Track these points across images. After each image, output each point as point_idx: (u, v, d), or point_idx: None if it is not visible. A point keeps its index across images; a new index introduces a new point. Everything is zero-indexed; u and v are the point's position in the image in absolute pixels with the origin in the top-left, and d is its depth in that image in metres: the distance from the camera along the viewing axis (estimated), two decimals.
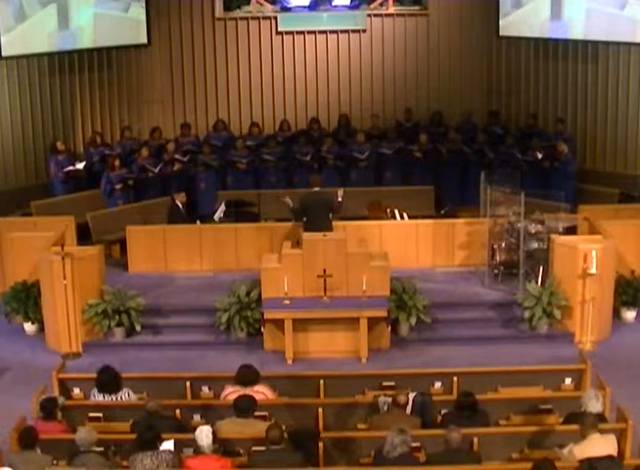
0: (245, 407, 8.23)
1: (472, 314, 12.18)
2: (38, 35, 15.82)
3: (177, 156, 15.79)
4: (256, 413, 8.37)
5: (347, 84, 17.90)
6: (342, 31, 17.75)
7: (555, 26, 16.62)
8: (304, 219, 12.45)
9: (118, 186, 14.97)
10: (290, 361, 11.46)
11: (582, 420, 7.78)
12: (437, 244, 13.42)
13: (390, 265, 11.81)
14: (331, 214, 12.48)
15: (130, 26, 17.20)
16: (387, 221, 13.75)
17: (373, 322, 11.53)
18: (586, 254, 11.48)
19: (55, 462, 7.79)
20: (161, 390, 9.39)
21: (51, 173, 15.55)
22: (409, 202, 14.80)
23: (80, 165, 15.42)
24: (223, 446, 7.99)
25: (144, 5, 17.23)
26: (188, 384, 9.54)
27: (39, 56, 15.99)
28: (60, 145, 15.62)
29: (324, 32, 17.73)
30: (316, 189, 12.63)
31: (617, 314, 12.30)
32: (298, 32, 17.70)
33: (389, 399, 8.59)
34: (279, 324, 11.54)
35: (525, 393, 9.34)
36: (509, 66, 17.67)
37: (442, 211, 14.84)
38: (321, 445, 8.17)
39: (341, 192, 12.59)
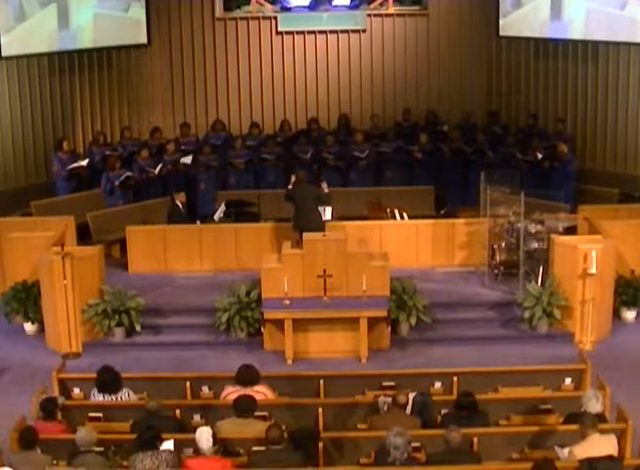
0: (245, 407, 8.23)
1: (472, 314, 12.19)
2: (38, 35, 15.83)
3: (184, 160, 15.69)
4: (256, 413, 8.36)
5: (347, 84, 17.91)
6: (343, 31, 17.76)
7: (555, 26, 16.63)
8: (293, 213, 12.54)
9: (117, 183, 14.94)
10: (290, 361, 11.46)
11: (582, 420, 7.78)
12: (437, 244, 13.42)
13: (390, 265, 11.81)
14: (320, 207, 12.60)
15: (130, 26, 17.21)
16: (387, 221, 13.75)
17: (373, 322, 11.53)
18: (586, 254, 11.48)
19: (55, 462, 7.80)
20: (161, 390, 9.38)
21: (54, 171, 15.57)
22: (409, 202, 14.79)
23: (84, 162, 15.44)
24: (223, 447, 7.99)
25: (144, 5, 17.24)
26: (188, 384, 9.54)
27: (39, 56, 16.00)
28: (66, 145, 15.63)
29: (324, 32, 17.74)
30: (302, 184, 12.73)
31: (617, 314, 12.30)
32: (298, 32, 17.71)
33: (389, 399, 8.58)
34: (279, 324, 11.53)
35: (525, 393, 9.34)
36: (509, 66, 17.67)
37: (442, 211, 14.84)
38: (321, 445, 8.17)
39: (324, 184, 12.73)
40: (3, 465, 7.72)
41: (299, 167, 15.56)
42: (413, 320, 11.74)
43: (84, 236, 13.89)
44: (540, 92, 17.26)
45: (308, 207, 12.38)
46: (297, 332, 11.51)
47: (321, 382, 9.37)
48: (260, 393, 8.82)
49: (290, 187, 12.69)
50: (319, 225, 12.30)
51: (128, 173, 15.16)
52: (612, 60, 16.05)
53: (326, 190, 12.67)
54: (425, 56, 17.87)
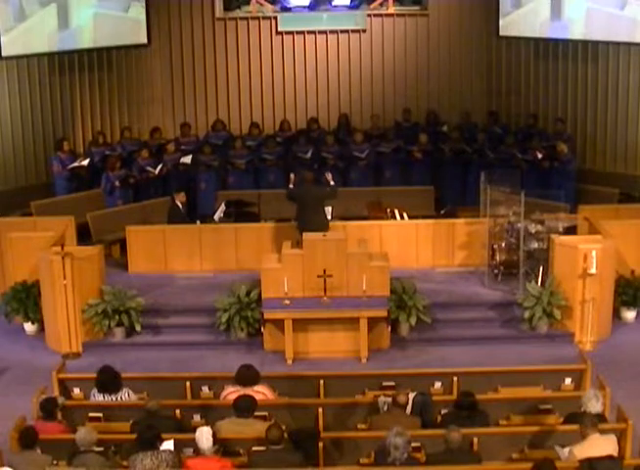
0: (245, 407, 8.23)
1: (472, 314, 12.19)
2: (38, 35, 15.82)
3: (184, 160, 15.71)
4: (256, 413, 8.37)
5: (347, 84, 17.90)
6: (343, 31, 17.75)
7: (555, 26, 16.63)
8: (296, 213, 12.53)
9: (118, 183, 14.94)
10: (290, 361, 11.46)
11: (582, 420, 7.78)
12: (437, 244, 13.42)
13: (390, 265, 11.81)
14: (326, 208, 12.60)
15: (130, 26, 17.21)
16: (387, 221, 13.75)
17: (373, 322, 11.53)
18: (586, 254, 11.48)
19: (55, 462, 7.80)
20: (161, 390, 9.39)
21: (54, 171, 15.57)
22: (409, 202, 14.79)
23: (85, 162, 15.44)
24: (223, 447, 8.00)
25: (144, 5, 17.22)
26: (188, 384, 9.54)
27: (39, 56, 15.99)
28: (66, 145, 15.65)
29: (324, 32, 17.73)
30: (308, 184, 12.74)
31: (617, 314, 12.30)
32: (298, 32, 17.70)
33: (389, 399, 8.58)
34: (279, 324, 11.53)
35: (525, 393, 9.34)
36: (509, 66, 17.66)
37: (442, 211, 14.84)
38: (321, 445, 8.17)
39: (329, 175, 12.73)
40: (3, 465, 7.73)
41: (300, 167, 15.60)
42: (413, 320, 11.73)
43: (84, 236, 13.89)
44: (540, 92, 17.26)
45: (312, 207, 12.34)
46: (297, 332, 11.51)
47: (321, 382, 9.38)
48: (260, 393, 8.82)
49: (291, 186, 12.67)
50: (323, 226, 12.28)
51: (128, 173, 15.19)
52: (612, 60, 16.04)
53: (331, 182, 12.66)
54: (425, 56, 17.86)
